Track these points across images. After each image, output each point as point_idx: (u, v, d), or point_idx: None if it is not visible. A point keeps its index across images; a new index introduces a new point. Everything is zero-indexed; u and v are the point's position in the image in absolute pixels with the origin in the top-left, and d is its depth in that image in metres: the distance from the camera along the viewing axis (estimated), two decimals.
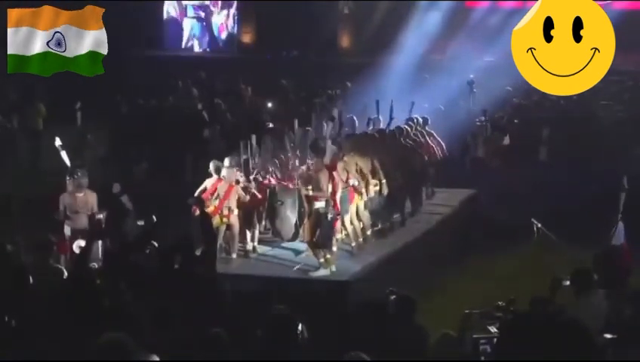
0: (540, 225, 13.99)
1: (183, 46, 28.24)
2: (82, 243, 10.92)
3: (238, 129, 17.42)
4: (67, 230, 11.34)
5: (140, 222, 11.48)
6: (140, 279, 8.87)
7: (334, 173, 11.86)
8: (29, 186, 15.49)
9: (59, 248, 11.05)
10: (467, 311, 7.80)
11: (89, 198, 11.56)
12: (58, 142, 11.66)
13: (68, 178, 11.43)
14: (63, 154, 11.51)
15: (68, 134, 13.58)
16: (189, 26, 28.43)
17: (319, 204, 11.59)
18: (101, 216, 11.51)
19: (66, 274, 8.86)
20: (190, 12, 28.47)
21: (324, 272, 11.56)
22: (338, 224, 12.45)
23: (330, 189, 11.59)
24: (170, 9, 28.40)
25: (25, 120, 19.17)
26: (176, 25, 28.34)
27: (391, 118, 15.37)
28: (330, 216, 11.60)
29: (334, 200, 11.68)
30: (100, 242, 10.80)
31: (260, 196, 12.54)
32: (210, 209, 11.92)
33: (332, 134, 14.69)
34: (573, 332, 3.25)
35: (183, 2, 28.33)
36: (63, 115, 20.12)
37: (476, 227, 15.06)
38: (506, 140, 16.84)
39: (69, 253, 11.02)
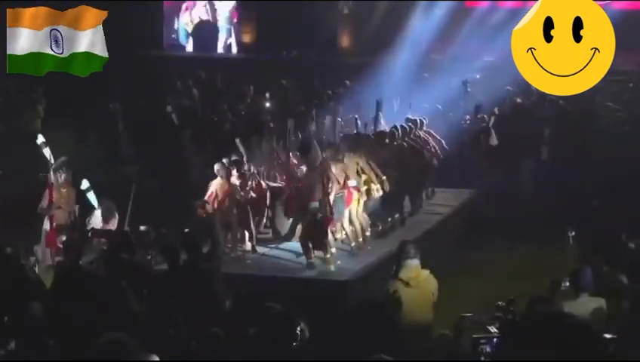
0: (573, 233, 13.77)
1: (220, 50, 28.18)
2: (64, 238, 11.03)
3: (238, 129, 17.41)
4: (47, 225, 11.38)
5: (143, 228, 11.51)
6: (141, 279, 8.89)
7: (329, 174, 11.88)
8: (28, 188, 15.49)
9: (47, 241, 11.15)
10: (462, 315, 7.84)
11: (71, 194, 11.68)
12: (41, 139, 11.73)
13: (52, 174, 11.51)
14: (46, 151, 11.59)
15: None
16: (224, 29, 28.36)
17: (313, 204, 11.63)
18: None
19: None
20: (225, 16, 28.34)
21: (310, 273, 11.55)
22: (337, 225, 12.49)
23: (322, 189, 11.62)
24: (201, 14, 28.33)
25: (24, 121, 19.17)
26: (210, 29, 28.29)
27: (379, 119, 15.40)
28: (320, 215, 11.64)
29: (327, 201, 11.71)
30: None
31: (258, 196, 12.55)
32: (209, 209, 11.96)
33: (332, 134, 14.71)
34: (578, 333, 3.24)
35: (217, 4, 28.24)
36: (62, 116, 20.14)
37: (476, 227, 15.06)
38: (493, 140, 16.77)
39: (54, 247, 11.09)
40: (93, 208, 11.57)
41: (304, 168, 12.22)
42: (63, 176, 11.60)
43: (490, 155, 16.64)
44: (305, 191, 11.84)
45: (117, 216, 11.48)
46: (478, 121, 17.30)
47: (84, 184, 11.69)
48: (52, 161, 11.52)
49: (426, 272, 8.74)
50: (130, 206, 11.69)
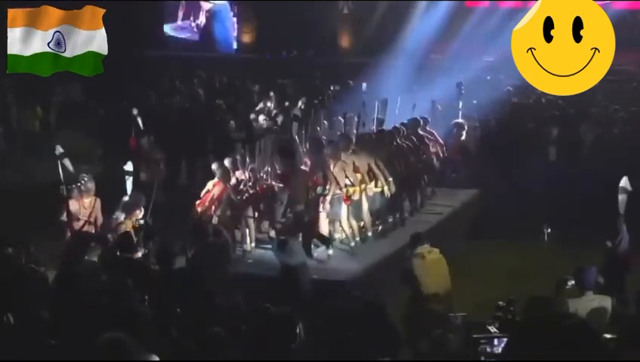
0: (549, 230, 14.01)
1: (236, 47, 28.33)
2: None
3: (238, 129, 17.43)
4: (68, 236, 11.20)
5: (141, 221, 11.49)
6: (140, 278, 8.88)
7: (326, 173, 11.87)
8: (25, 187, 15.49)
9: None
10: (451, 315, 7.89)
11: (95, 204, 11.53)
12: (59, 150, 11.46)
13: (73, 185, 11.31)
14: (66, 162, 11.31)
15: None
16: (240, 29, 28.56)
17: (299, 207, 11.62)
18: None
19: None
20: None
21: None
22: (336, 224, 12.50)
23: (305, 191, 11.61)
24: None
25: (21, 121, 19.21)
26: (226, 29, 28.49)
27: (380, 119, 15.41)
28: (307, 217, 11.63)
29: (313, 203, 11.71)
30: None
31: (258, 196, 12.54)
32: (202, 209, 11.97)
33: (332, 133, 14.70)
34: (578, 334, 3.25)
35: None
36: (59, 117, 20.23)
37: (477, 226, 15.06)
38: (464, 136, 16.89)
39: None
40: (125, 193, 11.47)
41: (288, 170, 12.14)
42: (84, 186, 11.40)
43: (462, 150, 16.72)
44: (290, 194, 11.82)
45: (142, 210, 11.39)
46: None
47: (129, 165, 11.57)
48: (72, 170, 11.30)
49: (436, 250, 10.07)
50: (152, 200, 11.57)
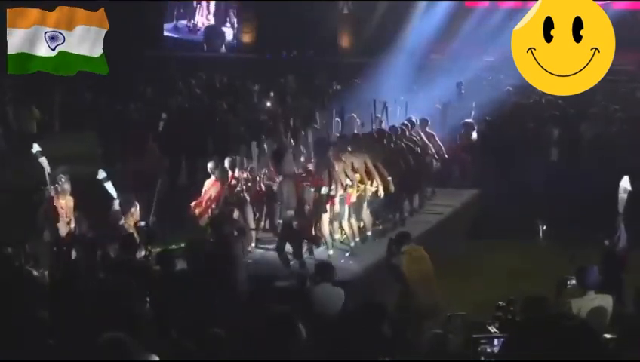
0: (544, 227, 14.00)
1: (223, 50, 28.42)
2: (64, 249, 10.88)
3: (238, 129, 17.42)
4: (47, 236, 11.15)
5: (142, 223, 11.49)
6: (140, 279, 8.88)
7: (333, 174, 11.87)
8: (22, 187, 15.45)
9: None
10: (449, 314, 7.91)
11: (69, 204, 11.48)
12: (36, 148, 11.35)
13: (50, 185, 11.17)
14: (43, 161, 11.22)
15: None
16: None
17: (289, 213, 11.60)
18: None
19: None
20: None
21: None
22: (336, 225, 12.50)
23: (295, 200, 11.61)
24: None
25: (18, 123, 19.20)
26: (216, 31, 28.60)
27: (378, 118, 15.42)
28: (295, 224, 11.62)
29: (302, 210, 11.72)
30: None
31: (257, 196, 12.54)
32: (199, 210, 11.95)
33: (332, 134, 14.70)
34: (578, 334, 3.25)
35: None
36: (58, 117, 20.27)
37: (476, 226, 15.06)
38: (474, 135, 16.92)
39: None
40: (112, 198, 11.45)
41: (279, 176, 12.10)
42: (61, 187, 11.36)
43: (470, 150, 16.74)
44: (280, 199, 11.83)
45: (137, 206, 11.37)
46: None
47: (101, 174, 11.57)
48: (49, 170, 11.23)
49: (420, 248, 10.35)
50: (155, 200, 11.52)
